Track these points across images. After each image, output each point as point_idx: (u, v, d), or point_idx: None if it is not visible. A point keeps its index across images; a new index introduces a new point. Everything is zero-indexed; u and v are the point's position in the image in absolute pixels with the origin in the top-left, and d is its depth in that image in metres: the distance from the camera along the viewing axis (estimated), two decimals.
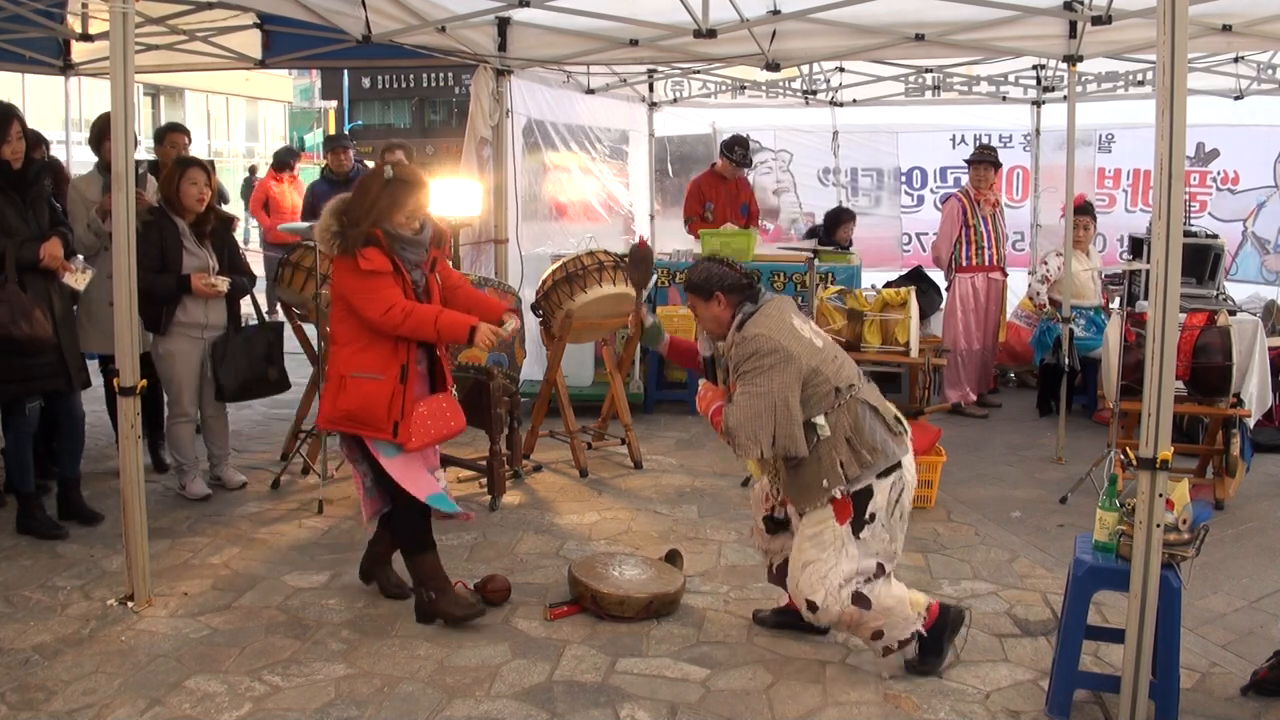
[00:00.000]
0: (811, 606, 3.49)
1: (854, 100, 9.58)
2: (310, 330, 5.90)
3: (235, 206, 17.33)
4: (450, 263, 6.74)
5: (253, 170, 14.38)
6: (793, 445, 3.44)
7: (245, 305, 5.62)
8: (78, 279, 4.90)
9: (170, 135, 6.10)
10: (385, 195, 3.80)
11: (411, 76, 39.70)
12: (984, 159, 7.61)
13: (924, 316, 7.14)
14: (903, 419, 3.66)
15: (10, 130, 4.65)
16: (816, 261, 6.41)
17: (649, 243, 6.06)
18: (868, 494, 3.48)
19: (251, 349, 5.41)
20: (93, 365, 5.42)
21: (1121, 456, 4.87)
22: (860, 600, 3.47)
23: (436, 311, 3.88)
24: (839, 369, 3.55)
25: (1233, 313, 5.86)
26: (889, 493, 3.50)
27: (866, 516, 3.47)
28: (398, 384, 3.82)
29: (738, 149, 8.52)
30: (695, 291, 3.68)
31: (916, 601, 3.56)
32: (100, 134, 5.16)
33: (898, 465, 3.52)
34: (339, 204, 3.88)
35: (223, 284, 5.24)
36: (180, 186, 5.18)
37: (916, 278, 7.68)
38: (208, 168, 5.33)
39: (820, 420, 3.47)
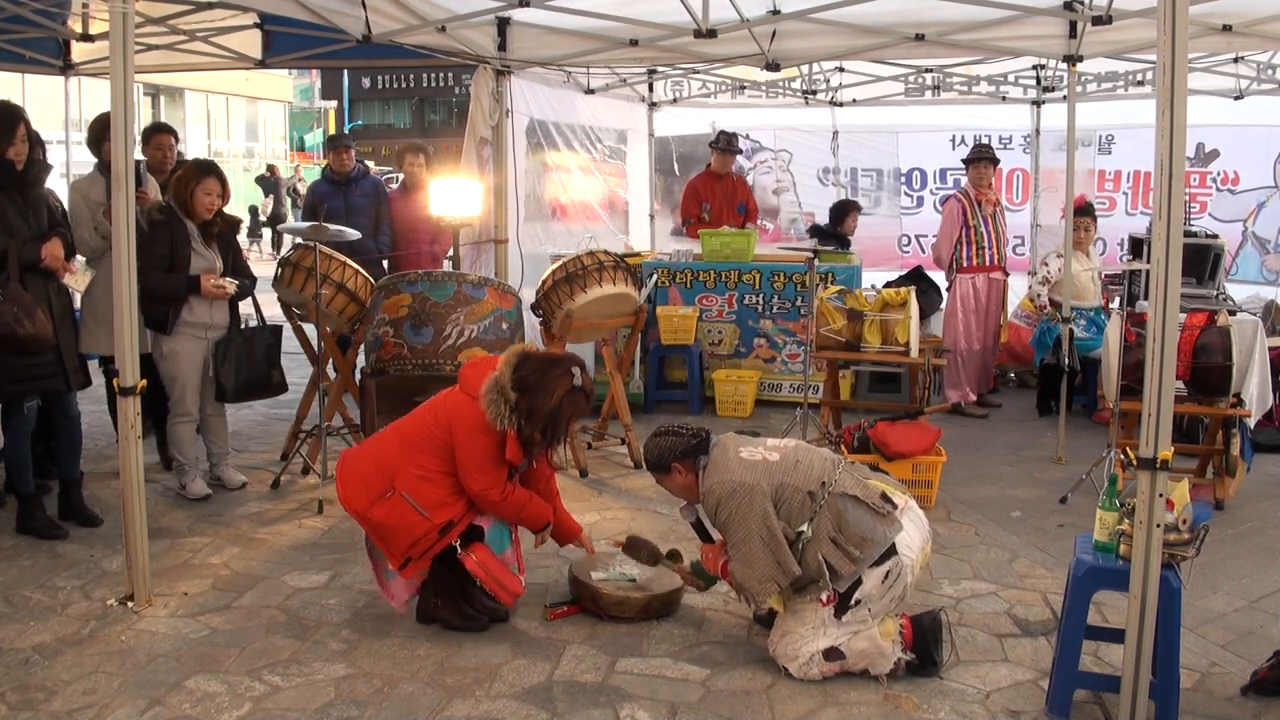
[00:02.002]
0: (787, 673, 3.56)
1: (854, 100, 9.59)
2: (310, 330, 5.90)
3: (237, 207, 17.30)
4: (450, 261, 6.80)
5: None
6: (790, 566, 3.50)
7: (245, 306, 5.61)
8: (78, 280, 4.90)
9: (156, 136, 6.09)
10: (569, 404, 3.73)
11: (411, 76, 39.79)
12: (982, 156, 7.59)
13: (924, 316, 7.14)
14: (892, 495, 3.63)
15: (16, 132, 4.65)
16: (816, 261, 6.42)
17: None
18: (856, 584, 3.52)
19: (252, 350, 5.42)
20: (92, 365, 5.42)
21: (1121, 456, 4.88)
22: (833, 655, 3.52)
23: (526, 499, 3.89)
24: (806, 472, 3.58)
25: (1233, 313, 5.86)
26: (881, 582, 3.51)
27: (852, 602, 3.52)
28: (435, 532, 3.75)
29: (722, 137, 8.63)
30: (654, 470, 3.78)
31: (888, 631, 3.56)
32: (99, 134, 5.14)
33: (893, 551, 3.51)
34: (517, 376, 3.70)
35: (230, 286, 5.26)
36: (195, 194, 5.19)
37: (916, 278, 7.68)
38: (223, 178, 5.34)
39: (804, 528, 3.52)
